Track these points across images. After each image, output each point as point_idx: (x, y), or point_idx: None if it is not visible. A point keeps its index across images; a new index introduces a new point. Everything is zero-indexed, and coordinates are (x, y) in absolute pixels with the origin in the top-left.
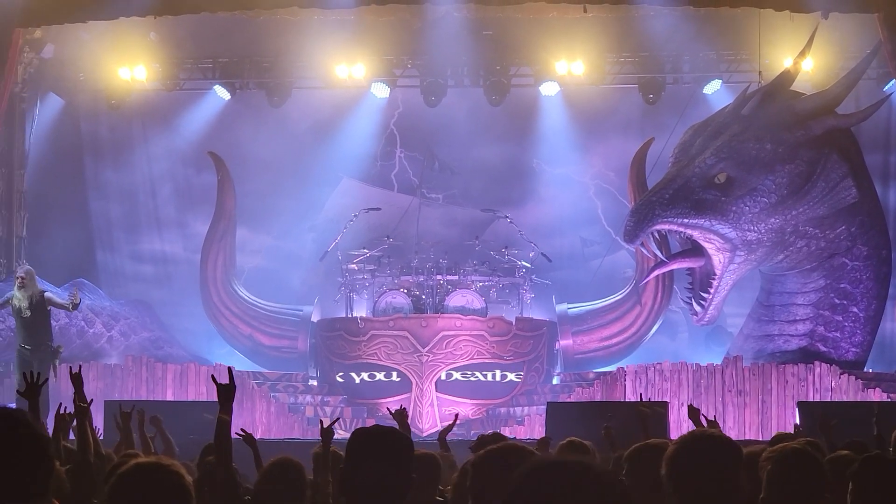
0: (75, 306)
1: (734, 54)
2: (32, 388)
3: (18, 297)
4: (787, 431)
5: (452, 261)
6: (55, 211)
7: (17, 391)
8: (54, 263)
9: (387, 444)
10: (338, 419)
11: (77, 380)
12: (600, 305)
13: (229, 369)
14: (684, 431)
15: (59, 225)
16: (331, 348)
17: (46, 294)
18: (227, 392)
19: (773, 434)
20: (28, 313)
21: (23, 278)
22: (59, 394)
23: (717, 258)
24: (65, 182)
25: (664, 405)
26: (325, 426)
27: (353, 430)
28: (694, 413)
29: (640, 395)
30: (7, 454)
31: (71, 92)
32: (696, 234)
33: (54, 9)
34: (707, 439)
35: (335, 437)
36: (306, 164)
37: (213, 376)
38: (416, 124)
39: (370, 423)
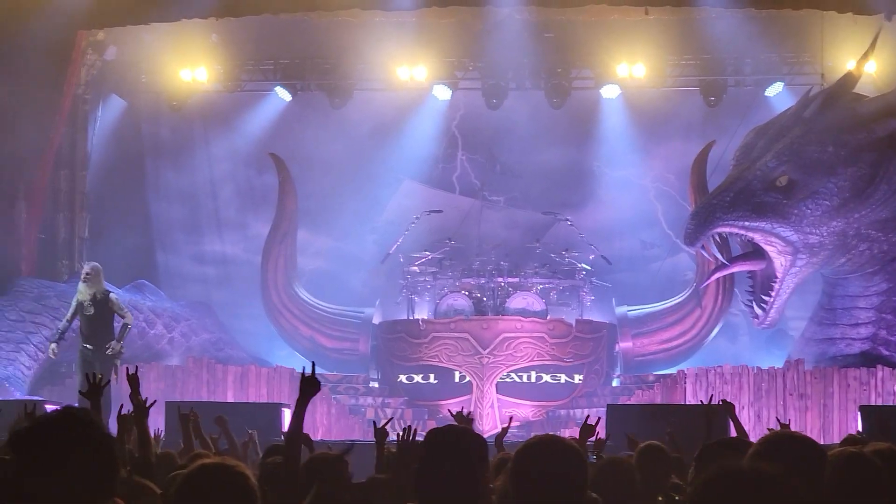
0: (127, 326)
1: (796, 56)
2: (95, 389)
3: (82, 291)
4: (854, 434)
5: (513, 263)
6: (117, 212)
7: (80, 392)
8: (116, 265)
9: (462, 444)
10: (391, 419)
11: (133, 381)
12: (660, 308)
13: (313, 363)
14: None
15: (120, 226)
16: (392, 350)
17: (112, 295)
18: (310, 386)
19: (842, 437)
20: (91, 310)
21: (88, 273)
22: (121, 395)
23: (779, 261)
24: (126, 183)
25: (715, 408)
26: (378, 427)
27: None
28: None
29: (711, 396)
30: (73, 454)
31: (133, 94)
32: (757, 237)
33: (117, 11)
34: (791, 440)
35: (391, 438)
36: (368, 166)
37: (304, 369)
38: (477, 127)
39: (431, 424)
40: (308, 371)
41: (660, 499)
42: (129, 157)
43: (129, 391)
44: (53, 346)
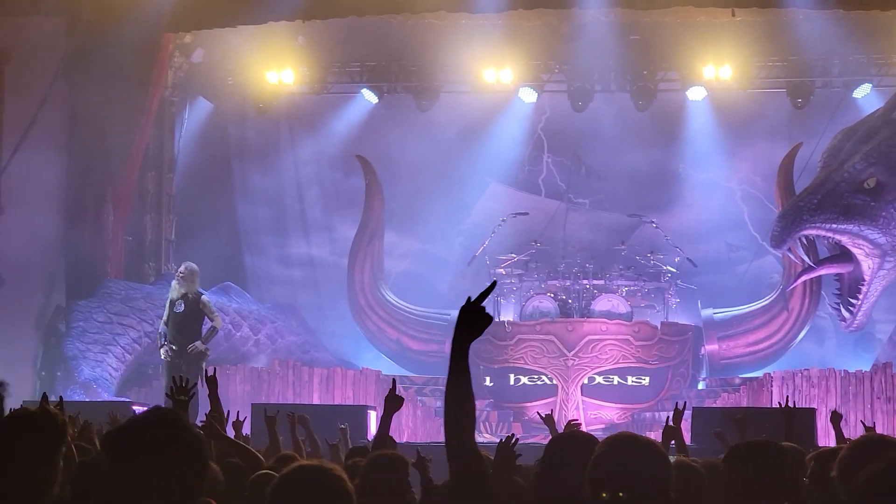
0: (214, 329)
1: (885, 58)
2: (182, 392)
3: (175, 289)
4: None
5: (599, 265)
6: (203, 214)
7: (166, 394)
8: (202, 267)
9: (586, 450)
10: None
11: (212, 383)
12: (747, 311)
13: (393, 380)
14: (832, 438)
15: (207, 228)
16: (478, 352)
17: (203, 297)
18: (393, 402)
19: None
20: (181, 308)
21: (182, 272)
22: (206, 396)
23: (867, 264)
24: (213, 186)
25: (811, 412)
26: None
27: (500, 433)
28: (836, 419)
29: (787, 397)
30: (163, 455)
31: (219, 96)
32: (844, 240)
33: (204, 14)
34: (879, 444)
35: (479, 441)
36: (454, 169)
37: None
38: (563, 129)
39: (516, 427)
40: (397, 391)
41: None
42: (215, 160)
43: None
44: (164, 350)
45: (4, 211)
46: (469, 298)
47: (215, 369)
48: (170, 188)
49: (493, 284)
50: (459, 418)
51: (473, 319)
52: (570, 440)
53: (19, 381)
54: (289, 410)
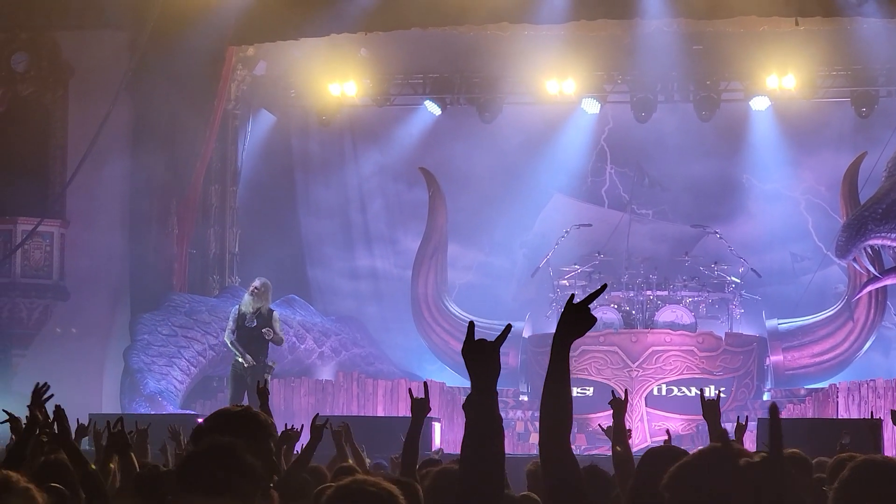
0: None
1: None
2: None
3: (247, 303)
4: None
5: (662, 276)
6: (267, 227)
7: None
8: (267, 279)
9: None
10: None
11: (262, 394)
12: (812, 321)
13: (425, 384)
14: None
15: (270, 241)
16: (542, 364)
17: (276, 314)
18: (420, 409)
19: None
20: (253, 323)
21: (257, 287)
22: (273, 409)
23: None
24: (276, 198)
25: (878, 422)
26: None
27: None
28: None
29: (871, 412)
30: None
31: (282, 108)
32: None
33: (266, 27)
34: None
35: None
36: (517, 180)
37: (409, 390)
38: (625, 140)
39: (580, 438)
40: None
41: None
42: (278, 172)
43: (280, 405)
44: (245, 358)
45: (70, 224)
46: (573, 296)
47: (267, 381)
48: (233, 201)
49: (604, 287)
50: (558, 420)
51: (577, 319)
52: (665, 453)
53: (86, 394)
54: (339, 422)
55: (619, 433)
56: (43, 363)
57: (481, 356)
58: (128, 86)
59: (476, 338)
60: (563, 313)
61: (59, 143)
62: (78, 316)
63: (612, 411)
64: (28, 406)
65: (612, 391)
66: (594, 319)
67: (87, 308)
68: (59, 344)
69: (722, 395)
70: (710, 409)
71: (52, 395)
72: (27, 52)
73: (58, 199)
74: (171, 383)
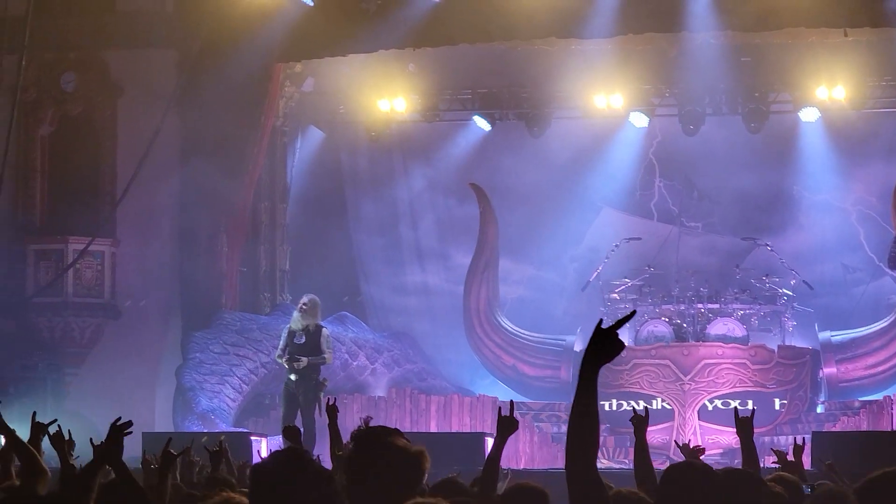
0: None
1: None
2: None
3: (296, 321)
4: None
5: (713, 289)
6: (317, 244)
7: (283, 434)
8: (318, 296)
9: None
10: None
11: (332, 412)
12: (865, 333)
13: (511, 403)
14: None
15: (321, 258)
16: None
17: (325, 331)
18: (507, 426)
19: None
20: (301, 339)
21: (305, 304)
22: (326, 427)
23: None
24: (326, 215)
25: None
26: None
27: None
28: None
29: None
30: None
31: (331, 124)
32: None
33: (314, 43)
34: None
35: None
36: (567, 195)
37: (499, 408)
38: (674, 153)
39: (632, 452)
40: (506, 411)
41: None
42: (328, 189)
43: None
44: (300, 363)
45: (121, 243)
46: (601, 321)
47: (335, 399)
48: (283, 218)
49: (632, 314)
50: (583, 442)
51: (605, 344)
52: (687, 470)
53: (137, 412)
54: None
55: (641, 449)
56: (95, 382)
57: (604, 342)
58: (176, 104)
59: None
60: (591, 338)
61: (109, 162)
62: (129, 334)
63: (664, 424)
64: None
65: (633, 408)
66: (623, 345)
67: (139, 327)
68: (111, 363)
69: (741, 409)
70: (743, 426)
71: (130, 432)
72: (76, 72)
73: (108, 218)
74: (224, 401)
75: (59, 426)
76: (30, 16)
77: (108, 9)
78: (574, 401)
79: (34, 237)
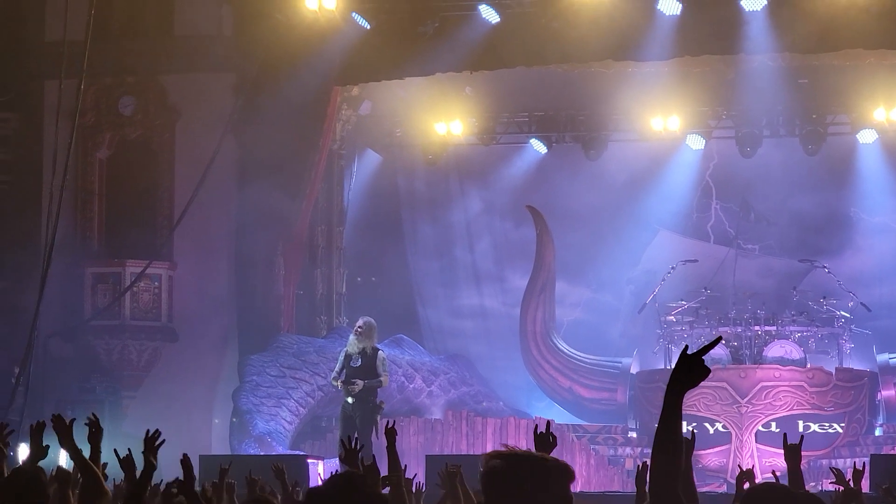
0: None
1: None
2: (352, 455)
3: (353, 344)
4: None
5: (770, 311)
6: (374, 267)
7: (339, 458)
8: (374, 319)
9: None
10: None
11: (391, 435)
12: None
13: (547, 423)
14: None
15: (378, 281)
16: (650, 400)
17: (381, 353)
18: (543, 443)
19: None
20: (357, 362)
21: (360, 327)
22: (383, 449)
23: None
24: (383, 238)
25: None
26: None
27: None
28: None
29: None
30: None
31: (387, 148)
32: None
33: (371, 66)
34: None
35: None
36: (623, 217)
37: (535, 426)
38: (731, 175)
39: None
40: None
41: None
42: (385, 212)
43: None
44: (356, 386)
45: (178, 266)
46: (686, 347)
47: (394, 421)
48: (340, 241)
49: (719, 339)
50: (667, 465)
51: (691, 370)
52: (769, 492)
53: (195, 436)
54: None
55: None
56: (153, 405)
57: (689, 367)
58: (234, 127)
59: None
60: (676, 364)
61: (167, 185)
62: (186, 358)
63: (721, 447)
64: (142, 452)
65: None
66: (708, 371)
67: (196, 350)
68: (168, 385)
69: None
70: (792, 453)
71: (163, 441)
72: (134, 96)
73: (166, 241)
74: (280, 424)
75: (129, 450)
76: (88, 40)
77: (166, 33)
78: (659, 425)
79: (92, 260)
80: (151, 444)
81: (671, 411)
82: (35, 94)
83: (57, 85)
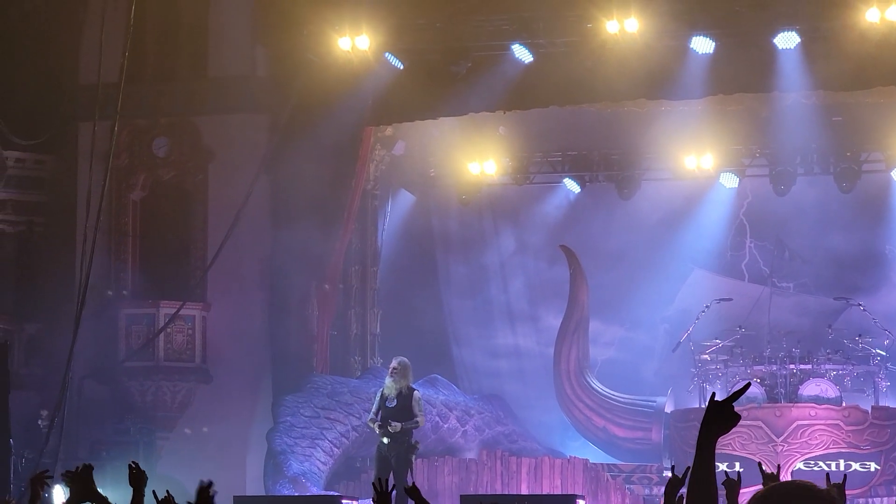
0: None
1: None
2: (384, 498)
3: (389, 386)
4: None
5: (805, 350)
6: (408, 307)
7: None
8: (409, 359)
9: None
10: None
11: (414, 494)
12: None
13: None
14: None
15: (412, 321)
16: (685, 439)
17: (416, 394)
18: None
19: None
20: (393, 403)
21: (395, 368)
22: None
23: None
24: (417, 278)
25: None
26: None
27: None
28: None
29: None
30: None
31: (421, 188)
32: None
33: (404, 106)
34: None
35: None
36: (657, 256)
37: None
38: (765, 213)
39: None
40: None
41: None
42: (419, 252)
43: (423, 485)
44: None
45: (212, 307)
46: (713, 394)
47: (412, 462)
48: (374, 282)
49: (747, 386)
50: None
51: (722, 416)
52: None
53: (230, 477)
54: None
55: None
56: (187, 446)
57: (720, 414)
58: (267, 168)
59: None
60: (706, 411)
61: (200, 226)
62: (220, 398)
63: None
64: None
65: (725, 471)
66: (738, 417)
67: (230, 390)
68: (202, 426)
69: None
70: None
71: (216, 493)
72: (168, 137)
73: (199, 282)
74: (315, 465)
75: (168, 492)
76: (122, 83)
77: (199, 74)
78: (692, 472)
79: (126, 302)
80: (206, 495)
81: (704, 458)
82: (69, 136)
83: (91, 127)
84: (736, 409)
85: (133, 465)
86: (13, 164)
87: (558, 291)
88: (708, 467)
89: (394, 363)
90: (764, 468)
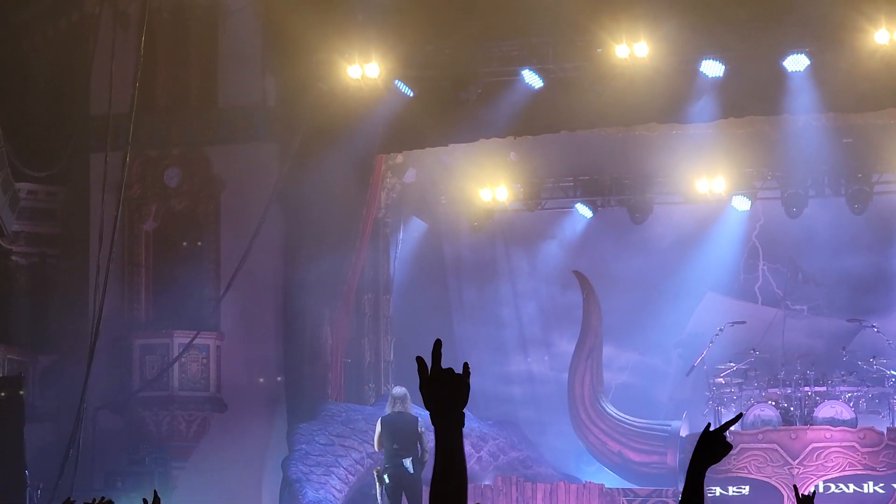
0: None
1: None
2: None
3: (389, 413)
4: None
5: (820, 372)
6: (421, 334)
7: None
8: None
9: None
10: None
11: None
12: None
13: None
14: None
15: (425, 348)
16: None
17: (420, 426)
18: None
19: None
20: (397, 432)
21: (396, 397)
22: None
23: None
24: (430, 305)
25: None
26: None
27: None
28: None
29: None
30: None
31: (433, 215)
32: None
33: (415, 134)
34: None
35: None
36: (670, 280)
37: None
38: (777, 236)
39: None
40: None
41: None
42: (431, 279)
43: None
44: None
45: (225, 336)
46: (708, 425)
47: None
48: (387, 309)
49: (739, 416)
50: None
51: (713, 446)
52: None
53: None
54: None
55: None
56: (203, 475)
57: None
58: (279, 196)
59: None
60: (698, 441)
61: (213, 255)
62: (234, 427)
63: None
64: None
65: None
66: (730, 447)
67: (245, 419)
68: (217, 455)
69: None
70: None
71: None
72: (179, 168)
73: (213, 311)
74: (330, 492)
75: None
76: (133, 114)
77: (210, 105)
78: (681, 500)
79: (140, 332)
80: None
81: (694, 487)
82: (81, 167)
83: (103, 158)
84: (751, 432)
85: (154, 494)
86: (25, 196)
87: (571, 317)
88: (699, 495)
89: (394, 392)
90: (800, 491)
